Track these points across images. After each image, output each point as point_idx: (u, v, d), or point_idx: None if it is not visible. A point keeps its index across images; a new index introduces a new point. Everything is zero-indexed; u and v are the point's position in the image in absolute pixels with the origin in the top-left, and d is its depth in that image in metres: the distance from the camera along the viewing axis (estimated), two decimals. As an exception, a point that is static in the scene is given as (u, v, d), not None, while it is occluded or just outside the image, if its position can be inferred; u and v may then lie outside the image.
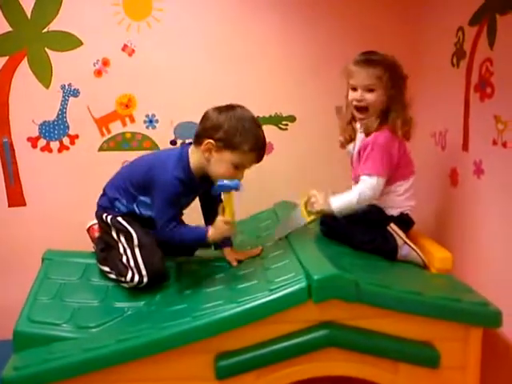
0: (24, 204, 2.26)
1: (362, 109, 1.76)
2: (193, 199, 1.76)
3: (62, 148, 2.27)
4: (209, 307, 1.38)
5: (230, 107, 1.62)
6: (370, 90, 1.73)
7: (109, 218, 1.68)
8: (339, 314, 1.35)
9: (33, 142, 2.25)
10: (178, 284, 1.63)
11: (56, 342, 1.40)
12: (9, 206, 2.26)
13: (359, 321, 1.37)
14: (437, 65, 2.08)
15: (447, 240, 1.89)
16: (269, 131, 2.28)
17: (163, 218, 1.61)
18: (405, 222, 1.76)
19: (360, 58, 1.76)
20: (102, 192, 1.77)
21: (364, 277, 1.40)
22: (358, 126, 1.84)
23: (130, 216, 1.69)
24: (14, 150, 2.25)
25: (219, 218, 1.58)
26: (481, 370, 1.40)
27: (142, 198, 1.67)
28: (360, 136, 1.82)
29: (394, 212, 1.75)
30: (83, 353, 1.32)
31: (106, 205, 1.72)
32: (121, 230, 1.66)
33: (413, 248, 1.69)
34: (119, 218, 1.68)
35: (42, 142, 2.25)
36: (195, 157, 1.64)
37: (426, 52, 2.19)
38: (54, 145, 2.26)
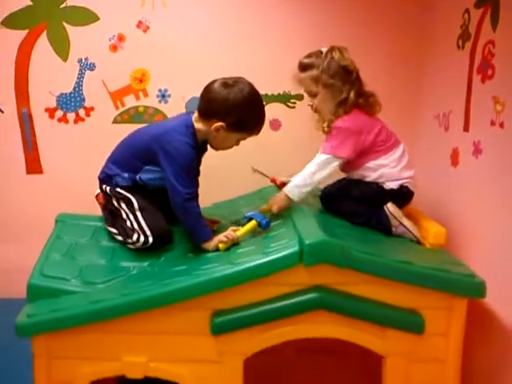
0: (41, 172, 2.38)
1: (316, 111, 1.77)
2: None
3: (78, 119, 2.36)
4: (207, 268, 1.46)
5: (236, 83, 1.66)
6: (314, 96, 1.73)
7: (108, 188, 1.75)
8: (330, 279, 1.42)
9: (50, 112, 2.35)
10: (181, 248, 1.71)
11: (65, 294, 1.50)
12: (27, 173, 2.37)
13: (349, 286, 1.43)
14: (443, 47, 2.11)
15: (445, 218, 1.93)
16: (277, 109, 2.34)
17: (182, 185, 1.61)
18: (404, 194, 1.77)
19: (298, 63, 1.74)
20: (102, 166, 1.82)
21: (356, 245, 1.46)
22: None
23: (130, 187, 1.73)
24: (32, 121, 2.35)
25: (232, 228, 1.61)
26: (465, 337, 1.46)
27: (148, 167, 1.71)
28: None
29: (393, 185, 1.74)
30: (89, 304, 1.42)
31: (104, 179, 1.77)
32: (120, 198, 1.72)
33: (408, 229, 1.71)
34: (118, 189, 1.73)
35: (59, 113, 2.35)
36: (199, 126, 1.70)
37: (434, 34, 2.22)
38: (71, 116, 2.35)
